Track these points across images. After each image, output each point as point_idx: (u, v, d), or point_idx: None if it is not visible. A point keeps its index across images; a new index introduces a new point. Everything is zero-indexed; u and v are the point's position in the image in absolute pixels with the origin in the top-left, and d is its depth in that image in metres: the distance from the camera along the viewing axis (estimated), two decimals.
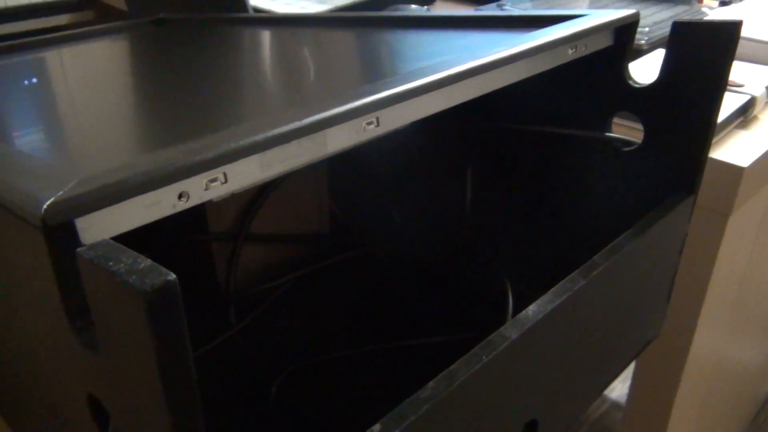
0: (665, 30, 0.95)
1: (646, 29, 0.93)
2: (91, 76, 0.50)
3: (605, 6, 1.12)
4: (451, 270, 0.60)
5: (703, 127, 0.46)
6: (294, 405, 0.48)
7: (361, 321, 0.56)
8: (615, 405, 1.40)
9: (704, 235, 0.69)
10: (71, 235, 0.22)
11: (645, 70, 0.78)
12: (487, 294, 0.57)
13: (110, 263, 0.18)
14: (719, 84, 0.44)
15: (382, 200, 0.63)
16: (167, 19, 0.87)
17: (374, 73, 0.39)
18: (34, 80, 0.49)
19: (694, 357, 0.79)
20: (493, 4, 1.11)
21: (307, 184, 0.61)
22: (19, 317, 0.29)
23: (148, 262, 0.18)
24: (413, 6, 1.08)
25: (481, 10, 1.04)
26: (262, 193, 0.58)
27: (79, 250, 0.19)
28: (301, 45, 0.51)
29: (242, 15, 0.76)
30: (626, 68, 0.48)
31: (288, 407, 0.48)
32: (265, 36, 0.59)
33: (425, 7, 1.13)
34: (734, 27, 0.42)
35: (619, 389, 1.44)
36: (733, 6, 1.05)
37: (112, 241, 0.20)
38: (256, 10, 1.14)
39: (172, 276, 0.17)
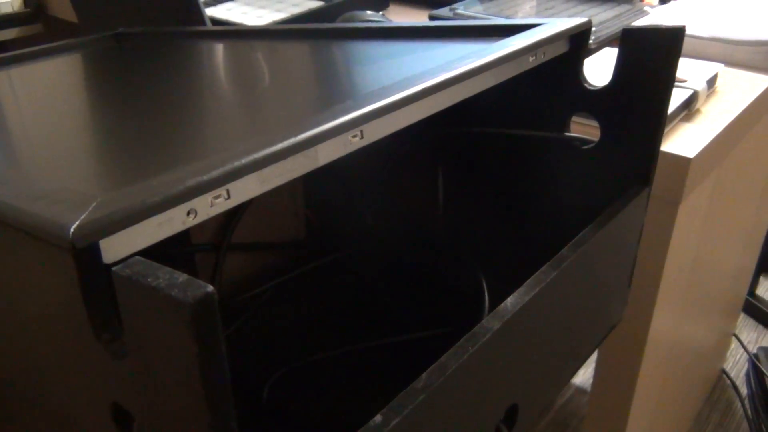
0: (611, 29, 1.00)
1: (593, 29, 0.98)
2: (60, 95, 0.51)
3: (552, 7, 1.16)
4: (427, 269, 0.62)
5: (654, 124, 0.49)
6: (286, 407, 0.50)
7: (344, 322, 0.58)
8: (580, 390, 1.45)
9: (657, 223, 0.73)
10: (95, 255, 0.24)
11: (594, 68, 0.82)
12: (461, 290, 0.60)
13: (149, 279, 0.20)
14: (667, 84, 0.48)
15: (355, 205, 0.65)
16: (126, 34, 0.87)
17: (351, 86, 0.41)
18: None
19: (653, 339, 0.83)
20: (446, 8, 1.14)
21: (282, 192, 0.62)
22: (29, 335, 0.30)
23: (185, 276, 0.20)
24: (368, 12, 1.11)
25: (438, 20, 1.07)
26: (241, 203, 0.59)
27: (114, 268, 0.21)
28: (275, 60, 0.53)
29: (205, 28, 0.77)
30: (581, 72, 0.51)
31: (280, 409, 0.49)
32: (234, 50, 0.60)
33: (380, 12, 1.16)
34: (678, 32, 0.46)
35: (582, 375, 1.49)
36: (671, 4, 1.11)
37: (143, 259, 0.21)
38: (213, 20, 1.15)
39: (210, 288, 0.19)
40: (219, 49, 0.63)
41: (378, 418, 0.31)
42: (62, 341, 0.27)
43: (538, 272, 0.40)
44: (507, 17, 1.05)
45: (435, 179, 0.60)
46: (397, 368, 0.54)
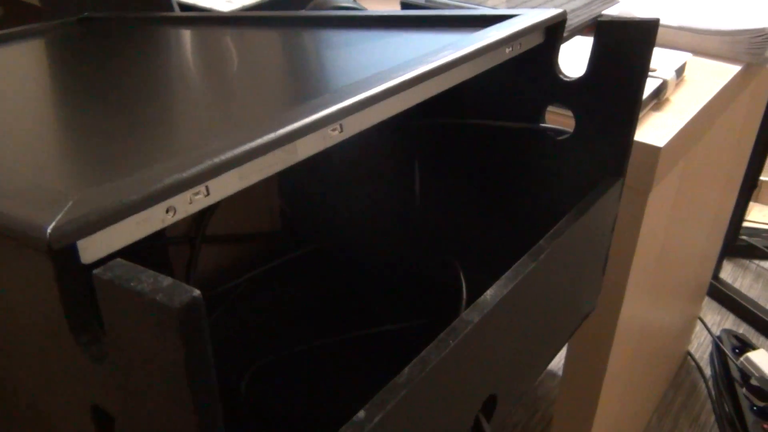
0: (581, 17, 1.01)
1: None
2: (24, 84, 0.49)
3: None
4: (404, 260, 0.63)
5: (628, 115, 0.50)
6: (264, 400, 0.49)
7: (320, 314, 0.58)
8: (549, 374, 1.47)
9: (628, 211, 0.74)
10: (73, 256, 0.23)
11: (566, 57, 0.82)
12: (438, 281, 0.60)
13: (132, 283, 0.19)
14: (641, 75, 0.48)
15: (330, 196, 0.65)
16: (92, 19, 0.85)
17: (329, 77, 0.41)
18: None
19: (622, 324, 0.85)
20: None
21: (256, 184, 0.62)
22: (6, 336, 0.29)
23: (169, 279, 0.19)
24: None
25: (412, 5, 1.06)
26: None
27: (95, 271, 0.20)
28: (248, 49, 0.52)
29: (176, 14, 0.75)
30: (556, 63, 0.52)
31: (258, 403, 0.49)
32: (207, 39, 0.59)
33: None
34: (652, 25, 0.46)
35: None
36: None
37: (124, 261, 0.21)
38: (180, 3, 1.12)
39: (197, 292, 0.19)
40: (191, 37, 0.61)
41: (361, 413, 0.31)
42: (40, 343, 0.26)
43: (516, 264, 0.41)
44: (478, 3, 1.05)
45: (411, 170, 0.60)
46: (375, 359, 0.54)
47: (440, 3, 1.08)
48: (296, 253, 0.64)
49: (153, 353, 0.20)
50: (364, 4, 1.13)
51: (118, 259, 0.21)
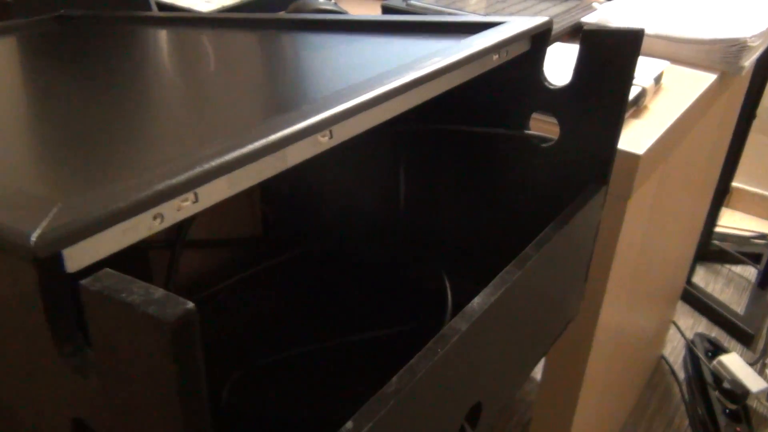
0: (561, 24, 1.01)
1: None
2: (4, 81, 0.48)
3: (504, 1, 1.17)
4: (388, 265, 0.62)
5: (612, 123, 0.50)
6: (246, 409, 0.49)
7: (303, 320, 0.57)
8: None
9: (608, 218, 0.75)
10: (58, 265, 0.23)
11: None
12: (422, 286, 0.60)
13: (122, 294, 0.19)
14: (625, 84, 0.49)
15: (313, 202, 0.64)
16: (69, 17, 0.83)
17: (319, 83, 0.40)
18: None
19: (600, 329, 0.86)
20: None
21: None
22: None
23: (161, 291, 0.19)
24: None
25: (391, 10, 1.06)
26: None
27: (82, 282, 0.20)
28: (234, 52, 0.51)
29: (158, 14, 0.74)
30: (542, 71, 0.52)
31: (239, 411, 0.48)
32: (192, 41, 0.58)
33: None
34: (638, 34, 0.46)
35: None
36: (617, 0, 1.13)
37: (113, 271, 0.20)
38: (158, 3, 1.11)
39: (191, 304, 0.18)
40: (176, 39, 0.60)
41: (349, 424, 0.30)
42: (21, 352, 0.26)
43: (502, 272, 0.41)
44: (459, 9, 1.05)
45: (396, 175, 0.60)
46: (359, 366, 0.53)
47: (420, 7, 1.08)
48: (278, 258, 0.64)
49: (143, 366, 0.19)
50: (344, 7, 1.13)
51: (107, 269, 0.20)
